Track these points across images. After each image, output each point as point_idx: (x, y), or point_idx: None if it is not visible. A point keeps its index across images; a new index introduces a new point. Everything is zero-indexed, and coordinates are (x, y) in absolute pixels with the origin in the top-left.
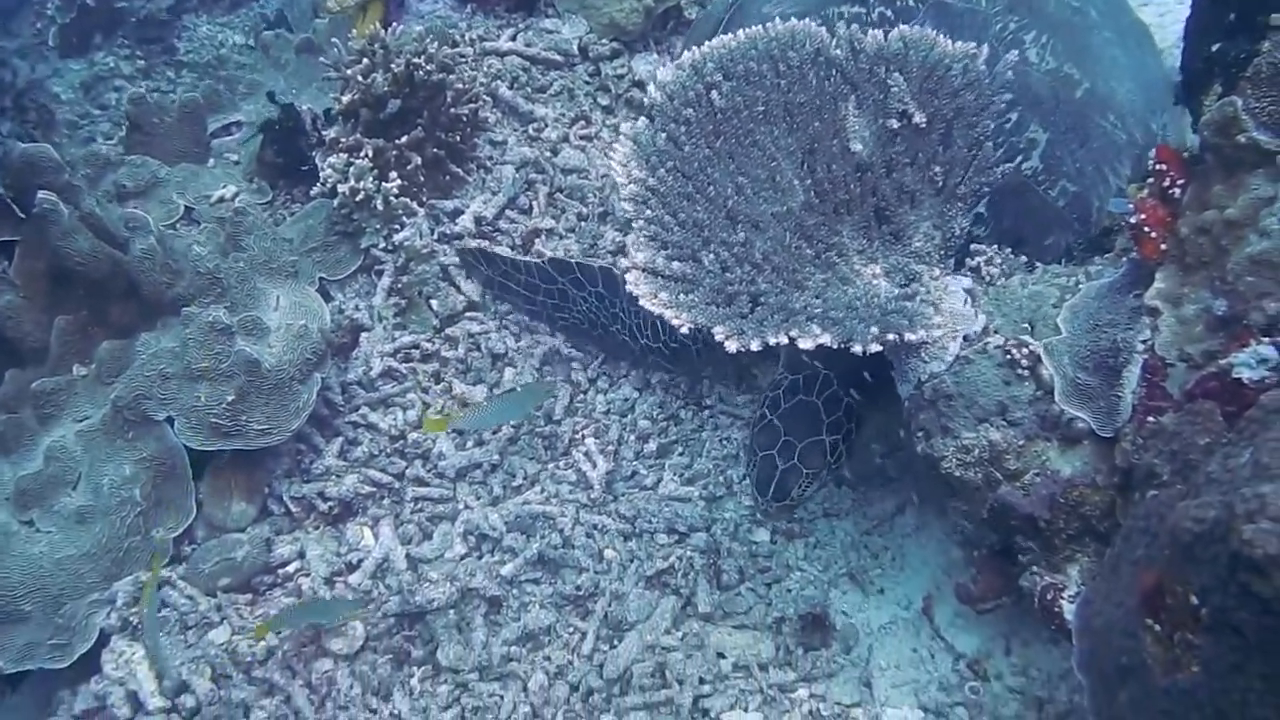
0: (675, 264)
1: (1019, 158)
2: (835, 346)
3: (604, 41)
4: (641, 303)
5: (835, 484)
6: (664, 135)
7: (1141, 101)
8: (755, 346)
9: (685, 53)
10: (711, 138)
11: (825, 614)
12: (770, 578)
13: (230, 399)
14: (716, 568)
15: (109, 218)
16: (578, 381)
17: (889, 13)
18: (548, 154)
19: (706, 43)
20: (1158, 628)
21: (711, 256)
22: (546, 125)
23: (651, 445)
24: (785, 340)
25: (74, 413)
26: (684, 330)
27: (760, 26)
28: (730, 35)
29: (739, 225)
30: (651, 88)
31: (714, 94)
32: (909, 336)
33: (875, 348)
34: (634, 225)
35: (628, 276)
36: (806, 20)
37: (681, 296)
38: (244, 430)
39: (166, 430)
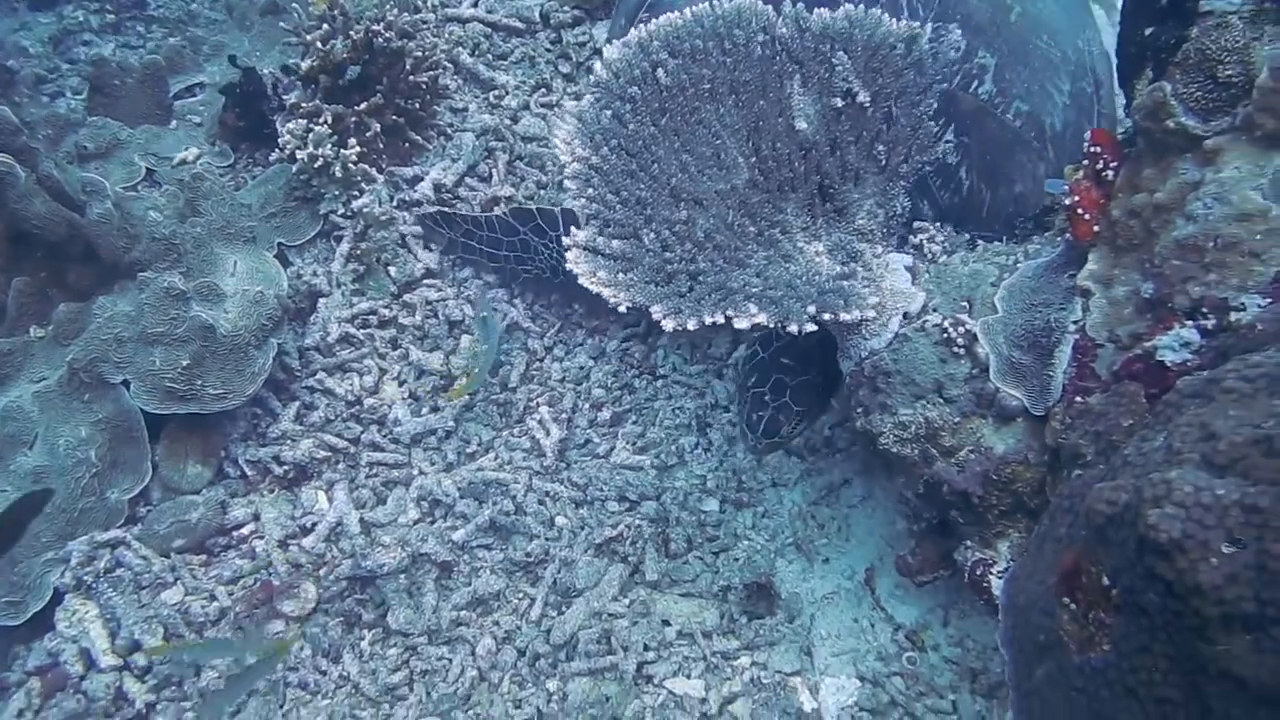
0: (615, 242)
1: (974, 83)
2: (771, 326)
3: (566, 9)
4: (581, 281)
5: (785, 453)
6: (609, 113)
7: (1066, 20)
8: (692, 326)
9: (631, 27)
10: (657, 115)
11: (770, 583)
12: (718, 546)
13: (185, 363)
14: (665, 536)
15: (68, 180)
16: (534, 350)
17: None
18: (508, 121)
19: (648, 18)
20: (1074, 606)
21: (652, 235)
22: (507, 93)
23: (605, 414)
24: (721, 320)
25: (31, 374)
26: (622, 309)
27: (707, 4)
28: (677, 13)
29: (682, 203)
30: (597, 65)
31: (660, 72)
32: (844, 316)
33: (810, 327)
34: (576, 204)
35: (569, 255)
36: None
37: (620, 275)
38: (199, 394)
39: (122, 393)
